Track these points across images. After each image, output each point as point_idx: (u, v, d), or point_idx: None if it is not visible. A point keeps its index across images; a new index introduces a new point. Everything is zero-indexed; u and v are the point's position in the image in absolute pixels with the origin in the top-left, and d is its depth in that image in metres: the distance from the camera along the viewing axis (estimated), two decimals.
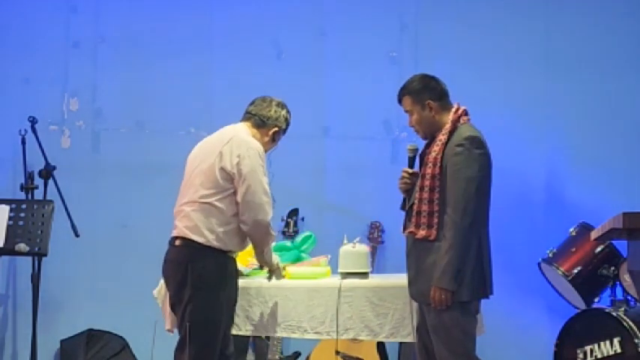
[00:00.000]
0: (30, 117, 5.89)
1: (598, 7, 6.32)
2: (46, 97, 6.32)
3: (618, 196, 5.96)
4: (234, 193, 4.29)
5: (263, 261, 4.50)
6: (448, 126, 4.09)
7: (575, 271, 5.58)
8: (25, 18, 6.34)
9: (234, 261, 4.42)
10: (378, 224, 6.20)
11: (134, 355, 6.13)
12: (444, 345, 4.03)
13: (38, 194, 5.86)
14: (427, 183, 4.04)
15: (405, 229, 4.22)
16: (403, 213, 4.32)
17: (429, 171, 4.05)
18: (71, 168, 6.14)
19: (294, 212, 6.02)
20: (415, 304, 4.32)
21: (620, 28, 6.29)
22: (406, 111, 4.21)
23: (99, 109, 6.40)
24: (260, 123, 4.49)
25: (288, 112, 4.58)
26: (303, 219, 5.94)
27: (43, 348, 5.93)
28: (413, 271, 4.15)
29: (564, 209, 6.14)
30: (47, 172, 5.86)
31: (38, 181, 5.89)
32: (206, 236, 4.26)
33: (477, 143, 4.04)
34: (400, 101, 4.23)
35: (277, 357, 5.62)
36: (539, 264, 5.75)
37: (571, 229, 5.71)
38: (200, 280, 4.25)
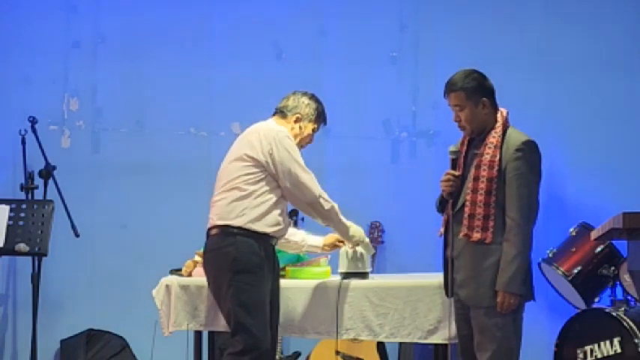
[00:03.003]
0: (30, 117, 5.89)
1: (598, 7, 6.31)
2: (46, 97, 6.32)
3: (618, 196, 5.95)
4: (266, 179, 4.34)
5: (342, 236, 4.54)
6: (499, 128, 4.07)
7: (575, 271, 5.58)
8: (25, 18, 6.34)
9: (271, 247, 4.42)
10: (378, 224, 6.20)
11: (134, 355, 6.13)
12: (490, 342, 4.02)
13: (38, 194, 5.86)
14: (482, 186, 4.00)
15: (446, 231, 4.16)
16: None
17: (484, 174, 4.01)
18: (71, 168, 6.14)
19: (294, 212, 6.01)
20: (447, 303, 4.28)
21: (620, 28, 6.28)
22: (454, 105, 4.12)
23: (99, 109, 6.40)
24: (282, 114, 4.53)
25: (312, 100, 4.55)
26: (303, 219, 5.92)
27: (43, 348, 5.93)
28: (464, 274, 4.08)
29: (564, 209, 6.14)
30: (47, 172, 5.86)
31: (38, 181, 5.89)
32: (233, 219, 4.32)
33: (535, 148, 4.05)
34: (448, 95, 4.14)
35: (277, 357, 5.62)
36: (539, 264, 5.75)
37: (571, 229, 5.72)
38: (235, 263, 4.28)
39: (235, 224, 4.31)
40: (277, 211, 4.38)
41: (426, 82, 6.31)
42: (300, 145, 4.51)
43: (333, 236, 4.68)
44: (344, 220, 4.50)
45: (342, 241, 4.66)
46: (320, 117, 4.58)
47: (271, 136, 4.37)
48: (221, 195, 4.40)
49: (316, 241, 4.71)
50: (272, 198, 4.36)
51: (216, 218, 4.38)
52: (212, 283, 4.40)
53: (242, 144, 4.43)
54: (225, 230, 4.33)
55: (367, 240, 4.60)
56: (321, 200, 4.39)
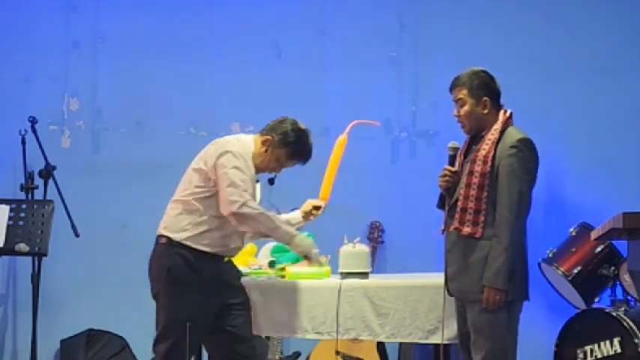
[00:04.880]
0: (30, 117, 5.89)
1: (598, 7, 6.32)
2: (46, 97, 6.32)
3: (618, 196, 5.96)
4: (214, 197, 4.30)
5: (285, 244, 4.43)
6: (498, 126, 4.10)
7: (575, 271, 5.59)
8: (25, 18, 6.34)
9: (215, 264, 4.35)
10: (378, 224, 6.20)
11: (134, 355, 6.13)
12: (484, 342, 4.03)
13: (38, 194, 5.86)
14: (476, 180, 4.04)
15: (445, 226, 4.19)
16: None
17: (478, 169, 4.04)
18: (71, 168, 6.14)
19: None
20: (447, 303, 4.29)
21: (620, 28, 6.29)
22: (456, 100, 4.17)
23: (99, 109, 6.40)
24: (261, 131, 4.48)
25: (297, 134, 4.41)
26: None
27: (43, 348, 5.92)
28: (454, 268, 4.12)
29: (564, 209, 6.14)
30: (47, 172, 5.85)
31: (38, 181, 5.89)
32: (176, 233, 4.32)
33: (530, 146, 4.07)
34: (453, 89, 4.19)
35: (277, 357, 5.63)
36: (539, 264, 5.76)
37: (571, 229, 5.72)
38: (168, 274, 4.29)
39: (176, 238, 4.31)
40: (221, 233, 4.32)
41: (426, 82, 6.31)
42: (261, 168, 4.42)
43: (309, 203, 4.66)
44: (286, 228, 4.35)
45: (317, 207, 4.63)
46: (293, 153, 4.42)
47: (220, 146, 4.33)
48: (172, 204, 4.41)
49: (296, 217, 4.64)
50: (216, 219, 4.31)
51: (162, 227, 4.39)
52: (151, 290, 4.43)
53: (202, 153, 4.42)
54: (165, 241, 4.35)
55: (316, 251, 4.42)
56: (244, 208, 4.20)
